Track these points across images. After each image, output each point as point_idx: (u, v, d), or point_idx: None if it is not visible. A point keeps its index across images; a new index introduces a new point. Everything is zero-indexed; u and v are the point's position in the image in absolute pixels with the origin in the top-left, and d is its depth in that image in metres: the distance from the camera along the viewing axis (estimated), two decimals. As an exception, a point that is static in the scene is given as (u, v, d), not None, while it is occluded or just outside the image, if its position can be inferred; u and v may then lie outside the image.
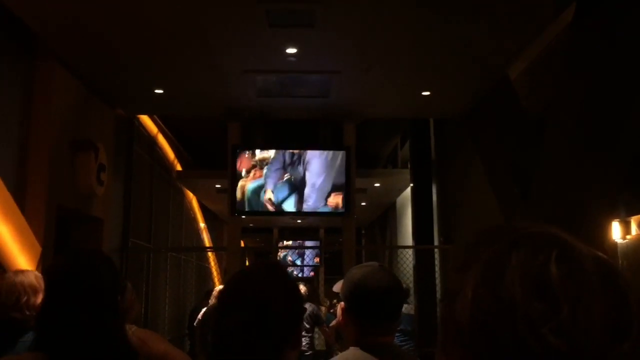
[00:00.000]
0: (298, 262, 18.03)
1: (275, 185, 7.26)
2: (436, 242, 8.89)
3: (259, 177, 7.25)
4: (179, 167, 10.76)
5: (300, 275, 18.10)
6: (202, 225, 13.16)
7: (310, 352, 7.10)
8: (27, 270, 2.84)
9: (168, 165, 10.28)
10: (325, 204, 7.31)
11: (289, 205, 7.29)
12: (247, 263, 10.30)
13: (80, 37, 5.14)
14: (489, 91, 6.39)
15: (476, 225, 7.46)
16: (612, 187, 4.98)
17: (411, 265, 9.18)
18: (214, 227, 14.59)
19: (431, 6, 4.68)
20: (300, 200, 7.29)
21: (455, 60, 5.68)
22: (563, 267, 0.53)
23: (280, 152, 7.36)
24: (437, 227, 8.98)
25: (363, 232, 17.60)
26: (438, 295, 7.83)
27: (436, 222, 9.05)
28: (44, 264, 4.81)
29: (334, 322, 7.40)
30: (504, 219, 6.30)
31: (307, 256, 16.88)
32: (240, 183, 7.23)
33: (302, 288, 8.05)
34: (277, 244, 17.55)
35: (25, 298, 2.54)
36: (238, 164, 7.25)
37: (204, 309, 7.18)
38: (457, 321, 0.55)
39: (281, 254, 16.00)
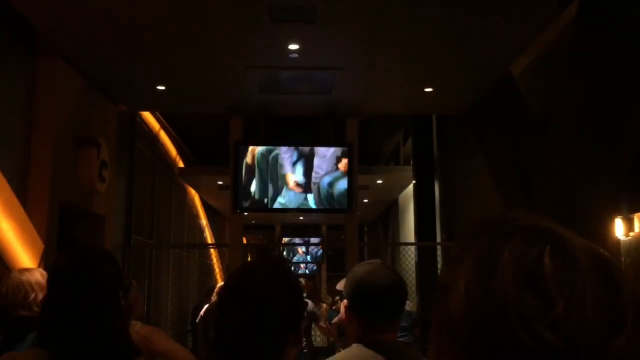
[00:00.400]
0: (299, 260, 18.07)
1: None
2: (438, 239, 8.89)
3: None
4: (181, 164, 10.77)
5: (306, 272, 18.15)
6: (204, 222, 13.17)
7: (307, 349, 7.10)
8: (32, 268, 2.85)
9: (170, 162, 10.29)
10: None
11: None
12: (249, 260, 10.31)
13: (82, 34, 5.14)
14: (492, 88, 6.37)
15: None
16: (615, 183, 4.97)
17: (413, 262, 9.18)
18: (216, 224, 14.60)
19: (434, 2, 4.67)
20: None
21: (458, 56, 5.66)
22: (556, 260, 0.52)
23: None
24: (440, 224, 8.98)
25: (365, 229, 17.59)
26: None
27: (438, 219, 9.05)
28: (47, 261, 4.81)
29: (335, 319, 7.41)
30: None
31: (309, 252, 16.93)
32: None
33: (302, 282, 8.06)
34: (279, 241, 17.58)
35: (33, 295, 2.55)
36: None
37: (206, 306, 7.18)
38: (451, 317, 0.54)
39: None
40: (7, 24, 4.85)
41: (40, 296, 2.53)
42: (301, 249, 18.10)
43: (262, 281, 1.33)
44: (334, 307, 8.99)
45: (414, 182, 9.88)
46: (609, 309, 0.50)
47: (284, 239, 18.01)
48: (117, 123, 6.95)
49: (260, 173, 7.30)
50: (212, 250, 13.47)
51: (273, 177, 7.32)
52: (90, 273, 1.65)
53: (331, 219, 13.73)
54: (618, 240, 5.18)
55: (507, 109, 6.41)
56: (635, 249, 5.07)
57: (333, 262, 16.35)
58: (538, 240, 0.53)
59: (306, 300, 6.47)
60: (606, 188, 4.96)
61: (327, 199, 7.33)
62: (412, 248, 9.29)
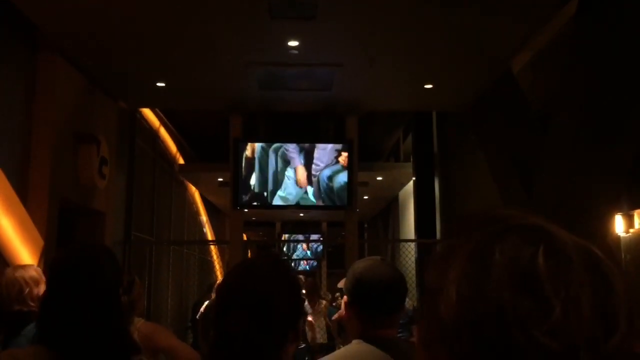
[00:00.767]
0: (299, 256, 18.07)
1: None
2: (438, 236, 8.89)
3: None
4: (181, 161, 10.77)
5: (307, 268, 18.16)
6: (204, 218, 13.17)
7: (304, 345, 7.11)
8: (27, 265, 2.86)
9: (170, 159, 10.29)
10: (337, 162, 7.31)
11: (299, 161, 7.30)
12: (249, 256, 10.31)
13: (82, 31, 5.13)
14: (492, 84, 6.36)
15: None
16: (616, 180, 4.97)
17: (413, 259, 9.18)
18: (217, 220, 14.61)
19: (434, -2, 4.66)
20: (309, 160, 7.30)
21: (458, 53, 5.65)
22: (550, 261, 0.51)
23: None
24: (440, 220, 8.97)
25: (365, 226, 17.61)
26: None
27: (438, 216, 9.04)
28: (46, 258, 4.81)
29: (335, 316, 7.41)
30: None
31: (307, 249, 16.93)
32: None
33: (302, 280, 8.07)
34: (279, 238, 17.59)
35: (27, 290, 2.56)
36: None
37: (206, 302, 7.20)
38: (442, 320, 0.52)
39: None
40: (7, 22, 4.84)
41: (35, 291, 2.54)
42: (305, 244, 18.13)
43: (262, 278, 1.33)
44: (334, 304, 9.00)
45: (414, 178, 9.88)
46: (603, 307, 0.50)
47: (284, 235, 18.02)
48: (117, 120, 6.95)
49: (260, 167, 7.30)
50: (212, 247, 13.48)
51: (273, 171, 7.32)
52: (89, 269, 1.65)
53: (331, 215, 13.74)
54: (618, 237, 5.18)
55: (507, 106, 6.41)
56: (636, 245, 5.07)
57: (333, 258, 16.37)
58: (530, 240, 0.52)
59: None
60: (606, 185, 4.96)
61: (327, 192, 7.33)
62: (412, 245, 9.29)
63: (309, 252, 18.49)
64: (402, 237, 11.80)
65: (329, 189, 7.32)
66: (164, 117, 9.48)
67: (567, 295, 0.49)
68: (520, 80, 6.41)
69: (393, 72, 6.22)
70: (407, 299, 5.60)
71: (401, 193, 12.26)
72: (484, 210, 0.60)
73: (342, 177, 7.33)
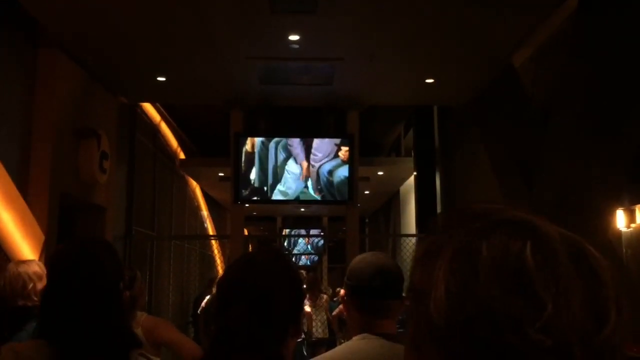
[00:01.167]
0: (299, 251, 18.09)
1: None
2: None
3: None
4: (182, 155, 10.76)
5: (308, 263, 18.18)
6: (205, 213, 13.18)
7: (302, 338, 7.13)
8: (29, 260, 2.86)
9: (171, 153, 10.28)
10: (337, 156, 7.30)
11: (298, 152, 7.29)
12: (250, 251, 10.33)
13: (82, 25, 5.12)
14: (494, 79, 6.34)
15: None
16: (617, 175, 4.96)
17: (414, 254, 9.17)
18: (218, 215, 14.62)
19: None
20: (308, 149, 7.29)
21: (460, 47, 5.63)
22: (538, 256, 0.50)
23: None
24: (441, 215, 8.96)
25: (366, 220, 17.61)
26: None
27: (439, 211, 9.04)
28: (47, 252, 4.82)
29: (335, 311, 7.43)
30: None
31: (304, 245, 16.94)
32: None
33: (303, 275, 8.08)
34: (280, 232, 17.60)
35: (31, 285, 2.56)
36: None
37: (207, 297, 7.21)
38: (431, 321, 0.51)
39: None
40: (7, 16, 4.83)
41: (39, 286, 2.54)
42: (306, 239, 18.16)
43: (262, 273, 1.33)
44: (335, 299, 9.02)
45: (415, 173, 9.87)
46: (592, 300, 0.49)
47: (285, 230, 18.03)
48: (118, 114, 6.94)
49: (260, 161, 7.30)
50: (213, 242, 13.50)
51: (273, 166, 7.31)
52: (89, 264, 1.65)
53: (332, 210, 13.73)
54: (619, 232, 5.17)
55: (508, 101, 6.39)
56: (637, 240, 5.07)
57: (334, 253, 16.37)
58: (517, 235, 0.51)
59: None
60: (607, 180, 4.95)
61: (327, 186, 7.32)
62: (413, 239, 9.29)
63: (309, 247, 18.52)
64: (403, 232, 11.80)
65: (329, 183, 7.31)
66: (164, 112, 9.47)
67: (558, 290, 0.48)
68: (521, 75, 6.39)
69: (394, 66, 6.21)
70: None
71: (402, 188, 12.26)
72: (467, 206, 0.58)
73: (343, 172, 7.32)
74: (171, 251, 9.75)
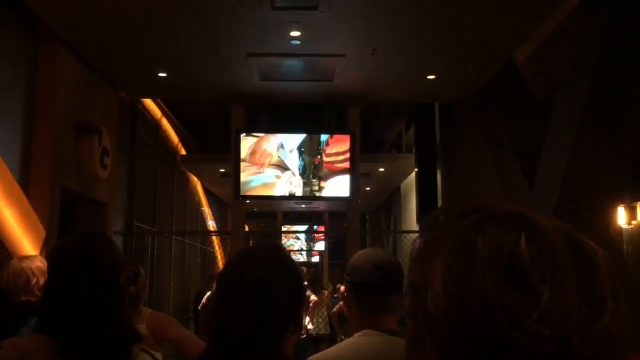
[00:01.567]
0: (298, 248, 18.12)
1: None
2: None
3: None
4: (183, 152, 10.76)
5: (309, 260, 18.22)
6: (206, 209, 13.18)
7: (305, 335, 7.13)
8: (32, 255, 2.86)
9: (172, 149, 10.28)
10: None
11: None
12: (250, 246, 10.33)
13: (83, 21, 5.11)
14: (495, 75, 6.33)
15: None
16: (618, 172, 4.95)
17: (415, 250, 9.17)
18: (218, 211, 14.62)
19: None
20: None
21: (461, 43, 5.62)
22: (533, 247, 0.50)
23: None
24: (442, 212, 8.95)
25: (367, 217, 17.60)
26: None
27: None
28: (48, 248, 4.82)
29: (335, 308, 7.44)
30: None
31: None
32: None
33: (304, 271, 8.08)
34: (280, 229, 17.62)
35: (34, 280, 2.56)
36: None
37: (208, 293, 7.22)
38: (430, 318, 0.52)
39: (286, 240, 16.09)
40: (9, 11, 4.82)
41: (42, 281, 2.54)
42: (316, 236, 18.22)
43: (261, 267, 1.32)
44: (335, 295, 9.02)
45: (416, 170, 9.86)
46: (589, 289, 0.49)
47: (286, 226, 18.05)
48: (119, 110, 6.93)
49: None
50: (214, 238, 13.51)
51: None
52: (89, 258, 1.65)
53: (333, 206, 13.73)
54: (620, 229, 5.16)
55: (510, 97, 6.38)
56: (638, 237, 5.06)
57: (335, 250, 16.37)
58: (511, 228, 0.52)
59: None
60: (609, 176, 4.95)
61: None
62: (414, 236, 9.27)
63: (303, 245, 18.58)
64: (404, 228, 11.79)
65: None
66: (165, 108, 9.47)
67: (553, 280, 0.49)
68: (523, 71, 6.38)
69: (395, 62, 6.20)
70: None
71: (403, 184, 12.25)
72: (460, 201, 0.59)
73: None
74: (172, 247, 9.76)
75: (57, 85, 5.35)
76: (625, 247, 5.12)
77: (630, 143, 4.76)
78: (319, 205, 14.32)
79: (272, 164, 7.24)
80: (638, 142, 4.70)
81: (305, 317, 7.60)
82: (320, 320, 7.79)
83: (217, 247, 13.51)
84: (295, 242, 18.65)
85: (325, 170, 7.28)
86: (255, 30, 5.37)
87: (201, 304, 7.44)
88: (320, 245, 18.63)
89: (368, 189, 12.25)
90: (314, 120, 8.32)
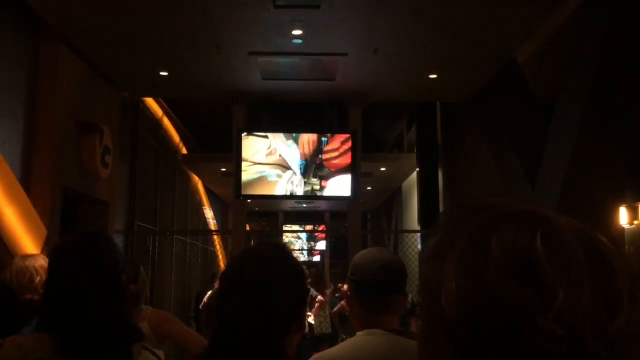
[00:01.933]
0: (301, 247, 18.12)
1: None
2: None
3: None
4: (184, 151, 10.76)
5: (310, 259, 18.23)
6: (207, 208, 13.19)
7: (307, 334, 7.14)
8: (35, 254, 2.86)
9: (173, 149, 10.28)
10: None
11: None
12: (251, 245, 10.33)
13: (85, 19, 5.11)
14: (497, 75, 6.32)
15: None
16: (620, 172, 4.95)
17: (417, 250, 9.18)
18: (220, 210, 14.63)
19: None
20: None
21: (463, 43, 5.61)
22: (548, 246, 0.49)
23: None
24: (443, 211, 8.95)
25: (369, 216, 17.60)
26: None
27: (442, 207, 9.03)
28: (50, 247, 4.81)
29: (336, 307, 7.44)
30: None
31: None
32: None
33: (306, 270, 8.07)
34: (282, 228, 17.62)
35: (38, 278, 2.56)
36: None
37: (209, 292, 7.22)
38: (444, 317, 0.51)
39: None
40: (10, 9, 4.82)
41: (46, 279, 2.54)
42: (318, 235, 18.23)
43: (264, 267, 1.32)
44: (336, 295, 9.02)
45: (417, 169, 9.85)
46: (605, 289, 0.49)
47: (287, 225, 18.05)
48: (120, 109, 6.93)
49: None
50: (215, 237, 13.51)
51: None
52: (89, 256, 1.65)
53: (335, 206, 13.73)
54: (622, 229, 5.16)
55: (511, 97, 6.37)
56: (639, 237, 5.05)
57: (336, 249, 16.38)
58: (526, 227, 0.51)
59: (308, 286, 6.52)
60: (611, 176, 4.94)
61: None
62: (416, 235, 9.29)
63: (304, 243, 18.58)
64: (406, 227, 11.79)
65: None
66: (167, 107, 9.47)
67: (569, 279, 0.48)
68: (525, 71, 6.37)
69: (397, 61, 6.19)
70: (409, 295, 5.60)
71: (405, 184, 12.25)
72: (472, 199, 0.58)
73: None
74: (173, 246, 9.76)
75: (58, 84, 5.35)
76: (626, 247, 5.12)
77: (632, 143, 4.75)
78: (320, 205, 14.31)
79: (273, 164, 7.24)
80: (640, 141, 4.69)
81: (310, 315, 7.61)
82: (321, 319, 7.80)
83: (218, 246, 13.51)
84: (297, 241, 18.66)
85: (326, 169, 7.28)
86: (257, 29, 5.37)
87: (202, 303, 7.44)
88: (321, 245, 18.65)
89: (369, 188, 12.24)
90: (315, 120, 8.32)
